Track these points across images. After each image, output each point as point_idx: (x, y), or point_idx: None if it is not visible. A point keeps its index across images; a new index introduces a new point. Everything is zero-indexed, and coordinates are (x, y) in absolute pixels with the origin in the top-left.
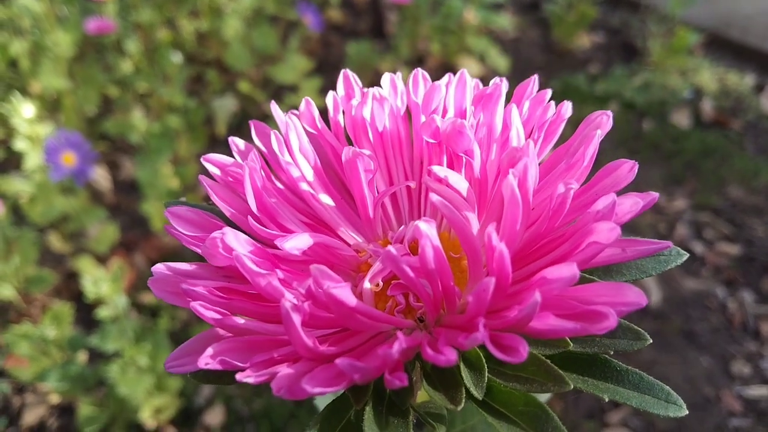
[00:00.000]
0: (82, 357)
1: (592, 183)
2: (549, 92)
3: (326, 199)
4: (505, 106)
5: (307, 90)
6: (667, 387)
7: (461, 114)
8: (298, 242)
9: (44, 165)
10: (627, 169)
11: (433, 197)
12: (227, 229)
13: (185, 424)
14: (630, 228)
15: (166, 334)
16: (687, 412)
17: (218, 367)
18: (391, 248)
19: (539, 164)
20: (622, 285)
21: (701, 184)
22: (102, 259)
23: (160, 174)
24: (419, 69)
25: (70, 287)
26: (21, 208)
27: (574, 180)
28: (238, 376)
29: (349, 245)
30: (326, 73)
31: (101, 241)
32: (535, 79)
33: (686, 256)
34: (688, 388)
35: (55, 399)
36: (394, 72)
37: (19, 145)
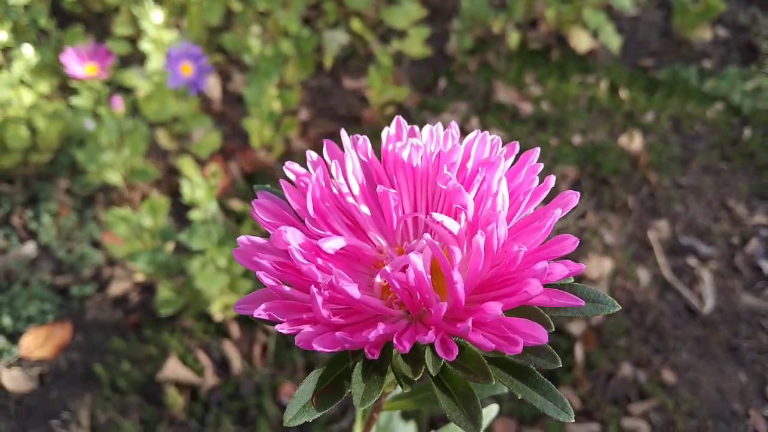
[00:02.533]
0: (169, 246)
1: (546, 245)
2: (541, 166)
3: (365, 209)
4: (510, 168)
5: (414, 37)
6: (566, 400)
7: (476, 166)
8: (333, 244)
9: (164, 70)
10: (571, 243)
11: (426, 236)
12: (288, 228)
13: (247, 323)
14: (702, 233)
15: None
16: (573, 420)
17: (266, 317)
18: (387, 268)
19: (526, 216)
20: (536, 325)
21: None
22: (201, 162)
23: (265, 95)
24: (454, 123)
25: (169, 181)
26: (137, 102)
27: (533, 241)
28: (277, 327)
29: (374, 245)
30: (436, 23)
31: (203, 146)
32: (536, 152)
33: (618, 308)
34: (718, 399)
35: (139, 277)
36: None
37: (145, 46)
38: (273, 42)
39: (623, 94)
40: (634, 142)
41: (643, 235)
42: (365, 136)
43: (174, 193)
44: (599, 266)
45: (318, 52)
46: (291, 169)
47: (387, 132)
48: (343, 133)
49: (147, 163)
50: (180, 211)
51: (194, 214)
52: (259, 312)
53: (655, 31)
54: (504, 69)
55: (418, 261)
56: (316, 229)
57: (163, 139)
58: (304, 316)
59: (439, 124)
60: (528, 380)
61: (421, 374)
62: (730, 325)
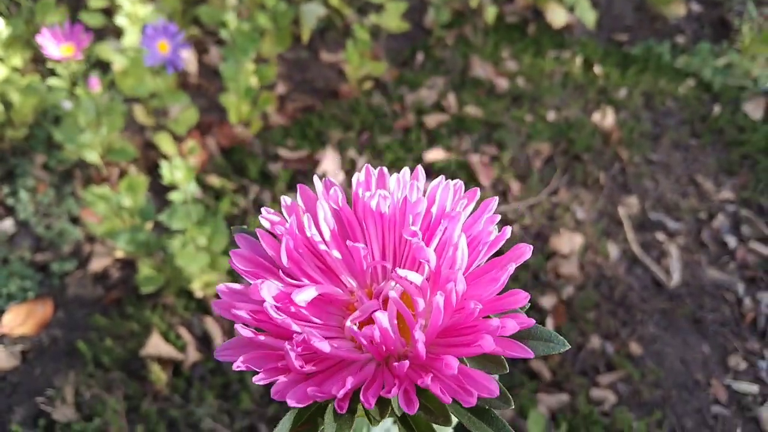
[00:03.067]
0: (148, 225)
1: (501, 298)
2: (498, 217)
3: (336, 254)
4: (471, 215)
5: (391, 11)
6: (507, 425)
7: (440, 214)
8: (305, 296)
9: (140, 47)
10: (522, 297)
11: (391, 294)
12: (263, 284)
13: None
14: (670, 208)
15: (224, 219)
16: None
17: (244, 368)
18: (348, 322)
19: (482, 265)
20: (491, 379)
21: (754, 179)
22: (179, 139)
23: (242, 70)
24: (416, 181)
25: (147, 156)
26: (114, 78)
27: (489, 292)
28: (254, 379)
29: (346, 287)
30: None
31: (180, 123)
32: (494, 201)
33: (568, 347)
34: (681, 370)
35: (120, 254)
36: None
37: (120, 20)
38: (249, 14)
39: (597, 70)
40: (606, 118)
41: (613, 210)
42: (336, 189)
43: (152, 169)
44: (570, 242)
45: (295, 24)
46: (266, 218)
47: (357, 178)
48: (316, 179)
49: (125, 141)
50: (159, 187)
51: (174, 196)
52: (238, 364)
53: (630, 5)
54: (481, 44)
55: (383, 319)
56: (290, 280)
57: (140, 114)
58: (279, 365)
59: (406, 171)
60: (484, 418)
61: (387, 415)
62: (695, 299)
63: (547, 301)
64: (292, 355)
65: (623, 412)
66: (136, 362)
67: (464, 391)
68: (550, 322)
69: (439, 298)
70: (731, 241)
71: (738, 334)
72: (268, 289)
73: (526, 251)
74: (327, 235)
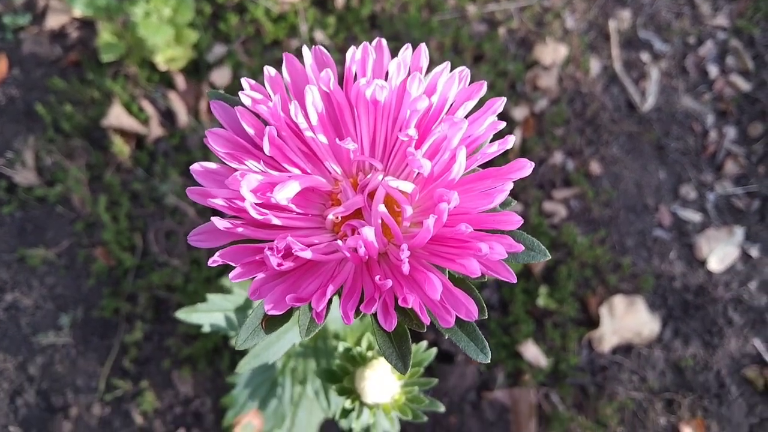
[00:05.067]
0: None
1: (493, 217)
2: (502, 124)
3: (322, 138)
4: (471, 114)
5: None
6: (486, 342)
7: (439, 108)
8: (286, 193)
9: None
10: (515, 221)
11: (381, 208)
12: (243, 178)
13: (193, 75)
14: (661, 28)
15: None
16: (489, 360)
17: (221, 263)
18: (331, 216)
19: (484, 165)
20: (472, 302)
21: (753, 7)
22: None
23: None
24: (418, 72)
25: None
26: None
27: (481, 206)
28: (231, 275)
29: (329, 174)
30: None
31: None
32: (501, 102)
33: (548, 257)
34: (635, 193)
35: (77, 12)
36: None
37: None
38: None
39: None
40: None
41: (604, 23)
42: (328, 71)
43: None
44: (555, 52)
45: None
46: (248, 95)
47: (352, 54)
48: (305, 50)
49: None
50: None
51: None
52: (215, 259)
53: None
54: None
55: (369, 233)
56: (271, 172)
57: None
58: (257, 258)
59: (408, 53)
60: (465, 329)
61: (361, 316)
62: (663, 125)
63: (519, 113)
64: (273, 261)
65: (571, 227)
66: (97, 132)
67: (444, 309)
68: (518, 134)
69: (431, 220)
70: (713, 70)
71: (696, 165)
72: (248, 184)
73: (525, 167)
74: (314, 120)
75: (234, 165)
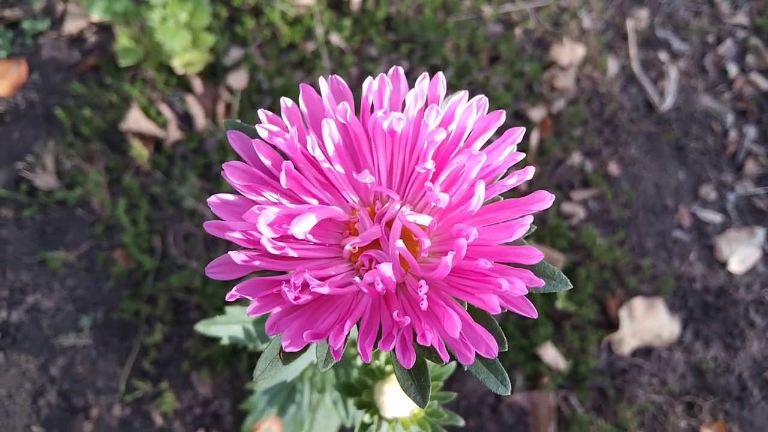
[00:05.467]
0: None
1: (514, 250)
2: (521, 156)
3: (339, 169)
4: (489, 144)
5: None
6: (506, 375)
7: (457, 137)
8: (303, 227)
9: None
10: (536, 255)
11: (398, 243)
12: (261, 213)
13: (210, 78)
14: (679, 27)
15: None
16: (509, 393)
17: (238, 296)
18: (348, 246)
19: (505, 194)
20: (492, 339)
21: None
22: None
23: None
24: (436, 105)
25: None
26: None
27: (500, 239)
28: (249, 310)
29: (347, 203)
30: None
31: None
32: (520, 133)
33: (570, 287)
34: (654, 194)
35: (95, 17)
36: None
37: None
38: None
39: None
40: None
41: (621, 22)
42: (344, 104)
43: None
44: (572, 52)
45: None
46: (265, 127)
47: (369, 84)
48: (321, 81)
49: None
50: None
51: None
52: (233, 293)
53: None
54: None
55: (386, 270)
56: (289, 205)
57: None
58: (274, 291)
59: (425, 83)
60: (486, 362)
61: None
62: (682, 125)
63: (537, 113)
64: (290, 296)
65: (590, 229)
66: (116, 135)
67: (464, 346)
68: (535, 135)
69: (449, 257)
70: (733, 69)
71: (715, 165)
72: (266, 219)
73: (545, 200)
74: (331, 151)
75: (252, 197)
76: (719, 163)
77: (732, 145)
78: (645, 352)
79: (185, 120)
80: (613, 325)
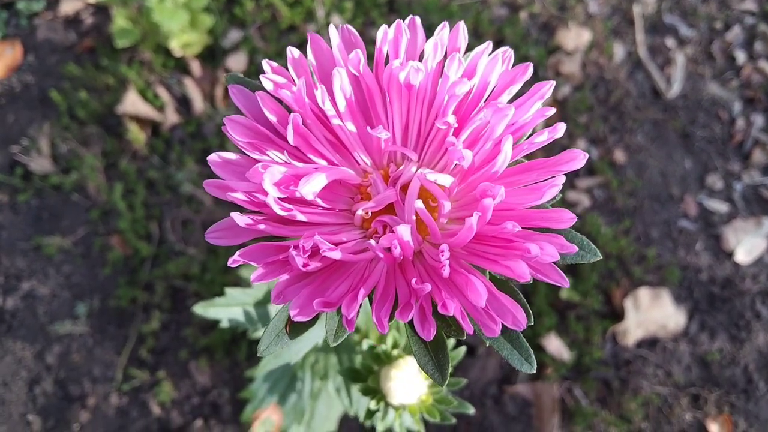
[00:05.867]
0: None
1: (544, 213)
2: (552, 111)
3: (351, 127)
4: (516, 99)
5: None
6: (530, 351)
7: (480, 92)
8: (312, 187)
9: None
10: (568, 218)
11: (418, 203)
12: (265, 172)
13: (209, 60)
14: (687, 12)
15: None
16: (535, 370)
17: (242, 262)
18: (360, 211)
19: (521, 163)
20: (520, 309)
21: None
22: None
23: None
24: (457, 52)
25: None
26: None
27: (528, 202)
28: (253, 278)
29: (358, 165)
30: None
31: None
32: (550, 86)
33: (599, 257)
34: (660, 182)
35: None
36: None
37: None
38: None
39: None
40: None
41: (628, 7)
42: (358, 51)
43: None
44: (577, 37)
45: None
46: (269, 78)
47: (383, 33)
48: (332, 29)
49: None
50: None
51: None
52: (236, 259)
53: None
54: None
55: (404, 232)
56: (296, 163)
57: None
58: (281, 257)
59: (445, 31)
60: (510, 338)
61: (393, 319)
62: (689, 112)
63: None
64: (299, 261)
65: (594, 217)
66: (113, 119)
67: (488, 317)
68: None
69: (474, 218)
70: (740, 56)
71: (722, 154)
72: (271, 177)
73: (577, 158)
74: (342, 107)
75: (255, 155)
76: (726, 151)
77: (739, 133)
78: (650, 343)
79: (183, 103)
80: (617, 315)
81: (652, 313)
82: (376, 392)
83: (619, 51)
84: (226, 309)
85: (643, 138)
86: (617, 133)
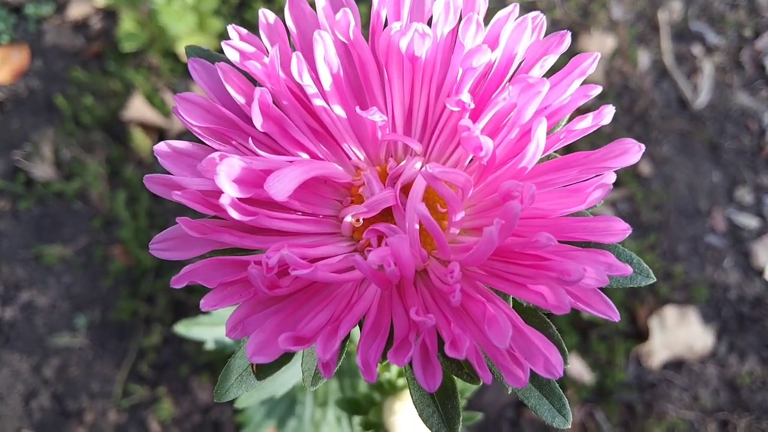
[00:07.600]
0: None
1: (587, 222)
2: (598, 89)
3: (338, 109)
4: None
5: None
6: (565, 399)
7: (504, 66)
8: (284, 186)
9: None
10: (621, 229)
11: (420, 208)
12: (220, 168)
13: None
14: (715, 19)
15: None
16: (569, 426)
17: (188, 282)
18: (349, 218)
19: (555, 158)
20: (551, 346)
21: None
22: None
23: None
24: (474, 12)
25: None
26: None
27: (566, 206)
28: (203, 304)
29: (349, 159)
30: None
31: None
32: (594, 59)
33: (653, 280)
34: (686, 195)
35: (100, 2)
36: None
37: None
38: None
39: None
40: None
41: (653, 14)
42: (347, 11)
43: None
44: (601, 44)
45: None
46: (234, 46)
47: None
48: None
49: None
50: None
51: None
52: (178, 279)
53: None
54: None
55: (402, 247)
56: (263, 153)
57: None
58: (240, 277)
59: None
60: (538, 384)
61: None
62: (717, 123)
63: None
64: (259, 279)
65: None
66: (118, 125)
67: (513, 360)
68: None
69: (495, 227)
70: None
71: (752, 166)
72: (229, 172)
73: (630, 152)
74: (327, 83)
75: (215, 145)
76: (755, 164)
77: None
78: (676, 364)
79: None
80: (642, 335)
81: (679, 333)
82: (378, 427)
83: (644, 59)
84: (211, 329)
85: (669, 149)
86: (643, 144)
